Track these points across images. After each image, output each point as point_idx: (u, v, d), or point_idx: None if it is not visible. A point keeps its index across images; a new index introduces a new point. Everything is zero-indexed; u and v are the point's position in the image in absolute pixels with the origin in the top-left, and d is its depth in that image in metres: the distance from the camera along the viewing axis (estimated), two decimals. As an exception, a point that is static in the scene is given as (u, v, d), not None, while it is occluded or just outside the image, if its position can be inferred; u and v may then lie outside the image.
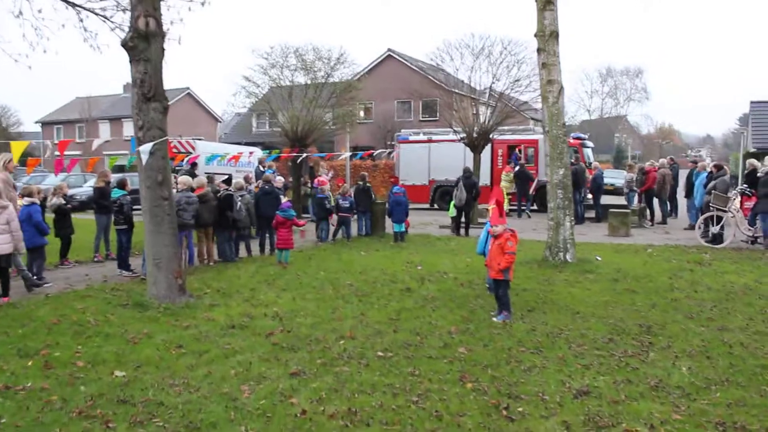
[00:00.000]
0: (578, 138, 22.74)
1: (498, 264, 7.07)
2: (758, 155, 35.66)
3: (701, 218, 13.71)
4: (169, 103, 8.45)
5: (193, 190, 10.86)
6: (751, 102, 36.91)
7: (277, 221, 11.17)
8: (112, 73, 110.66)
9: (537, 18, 10.72)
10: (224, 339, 6.40)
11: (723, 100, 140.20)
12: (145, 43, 7.81)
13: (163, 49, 8.13)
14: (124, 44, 7.88)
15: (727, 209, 13.05)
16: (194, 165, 16.67)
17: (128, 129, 52.29)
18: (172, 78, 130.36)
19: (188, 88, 54.63)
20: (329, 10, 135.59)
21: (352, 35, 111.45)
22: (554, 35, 10.61)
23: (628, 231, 15.38)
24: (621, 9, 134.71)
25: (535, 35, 10.79)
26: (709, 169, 14.74)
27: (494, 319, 7.10)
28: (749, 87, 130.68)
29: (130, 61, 7.93)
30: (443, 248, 13.39)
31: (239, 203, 11.41)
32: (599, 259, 11.20)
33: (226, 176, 12.62)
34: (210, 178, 12.45)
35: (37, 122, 59.51)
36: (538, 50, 10.79)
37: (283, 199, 11.55)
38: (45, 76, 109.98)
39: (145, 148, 7.84)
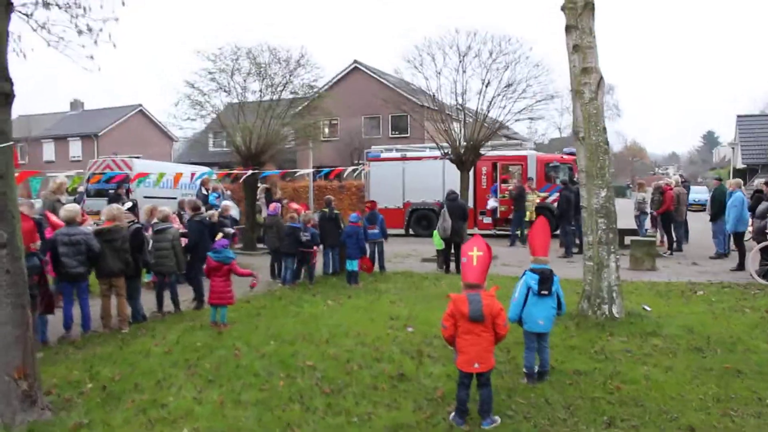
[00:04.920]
0: (573, 154, 20.03)
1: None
2: (746, 171, 33.98)
3: (755, 248, 10.98)
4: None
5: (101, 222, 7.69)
6: (738, 116, 35.29)
7: (209, 266, 7.96)
8: (58, 89, 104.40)
9: (566, -16, 7.88)
10: None
11: (685, 118, 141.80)
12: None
13: (8, 15, 5.02)
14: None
15: (789, 237, 10.38)
16: (119, 185, 13.47)
17: (75, 149, 48.35)
18: (122, 94, 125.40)
19: (140, 105, 50.77)
20: (290, 19, 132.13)
21: (315, 46, 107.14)
22: (589, 7, 7.76)
23: (654, 264, 12.59)
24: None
25: (563, 8, 7.94)
26: (756, 188, 12.12)
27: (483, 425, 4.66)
28: (709, 105, 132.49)
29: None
30: (433, 292, 10.35)
31: (151, 242, 8.21)
32: (648, 309, 8.36)
33: (131, 203, 9.34)
34: (132, 206, 9.25)
35: (-27, 142, 54.76)
36: (567, 28, 7.93)
37: (218, 236, 8.31)
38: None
39: (-35, 162, 4.67)
